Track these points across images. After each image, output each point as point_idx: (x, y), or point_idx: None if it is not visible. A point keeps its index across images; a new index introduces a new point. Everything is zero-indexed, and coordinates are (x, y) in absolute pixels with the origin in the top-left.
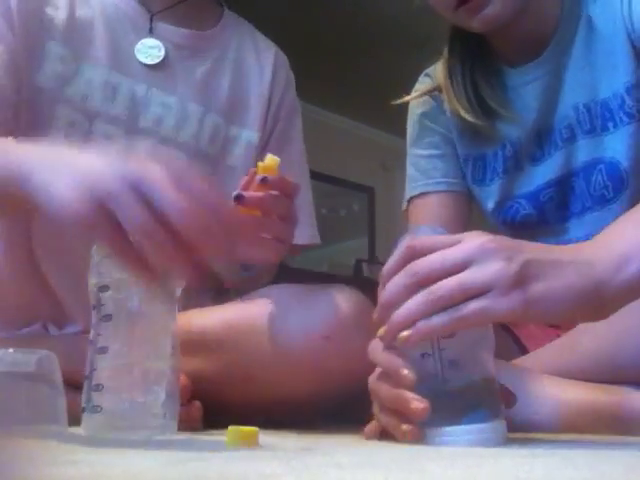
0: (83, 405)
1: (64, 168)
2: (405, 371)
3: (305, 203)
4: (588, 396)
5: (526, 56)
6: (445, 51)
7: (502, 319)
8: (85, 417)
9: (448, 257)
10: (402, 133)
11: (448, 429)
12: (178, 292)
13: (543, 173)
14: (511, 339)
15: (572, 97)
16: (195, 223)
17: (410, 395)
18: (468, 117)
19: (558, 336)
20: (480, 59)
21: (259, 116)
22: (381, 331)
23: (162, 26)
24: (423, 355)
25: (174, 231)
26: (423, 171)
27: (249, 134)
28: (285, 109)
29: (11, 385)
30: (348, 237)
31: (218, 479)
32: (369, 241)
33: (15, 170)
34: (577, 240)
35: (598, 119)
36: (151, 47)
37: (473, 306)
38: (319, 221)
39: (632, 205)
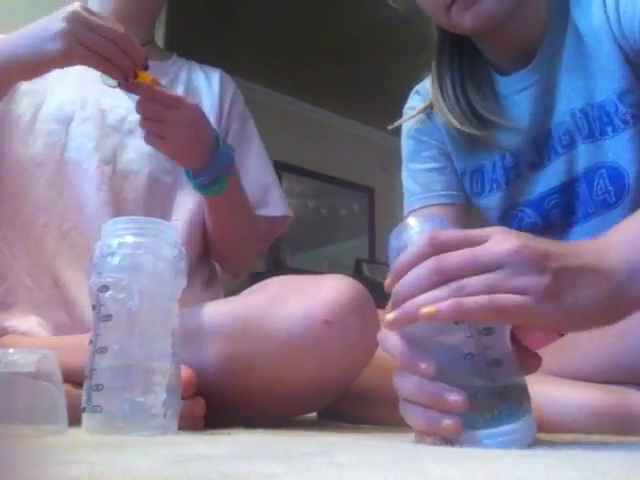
0: (83, 405)
1: (41, 35)
2: (424, 364)
3: (271, 183)
4: (588, 396)
5: (516, 63)
6: (433, 64)
7: (537, 325)
8: (85, 417)
9: (481, 257)
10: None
11: (488, 431)
12: (178, 292)
13: (545, 180)
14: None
15: (567, 103)
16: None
17: (443, 386)
18: (464, 128)
19: (560, 335)
20: (469, 68)
21: (212, 118)
22: (390, 316)
23: None
24: (466, 356)
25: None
26: (423, 185)
27: None
28: (236, 114)
29: (11, 385)
30: (348, 237)
31: (218, 479)
32: (369, 241)
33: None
34: None
35: (596, 122)
36: None
37: (514, 299)
38: (319, 221)
39: (634, 210)
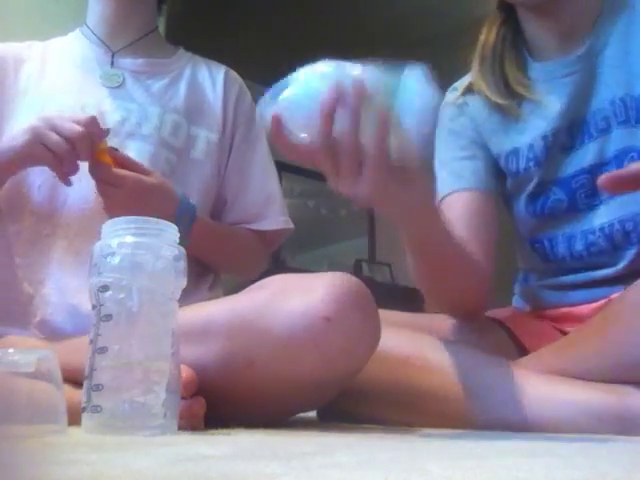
0: (83, 405)
1: (15, 136)
2: None
3: (274, 194)
4: (589, 396)
5: (559, 49)
6: (484, 33)
7: None
8: (85, 417)
9: None
10: None
11: None
12: (178, 292)
13: (576, 161)
14: (510, 338)
15: (608, 92)
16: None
17: None
18: (492, 97)
19: (561, 332)
20: (512, 44)
21: (215, 120)
22: None
23: (121, 60)
24: None
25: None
26: (454, 172)
27: (208, 134)
28: (242, 117)
29: (11, 385)
30: (348, 237)
31: (218, 479)
32: (369, 241)
33: None
34: (601, 228)
35: (633, 111)
36: (112, 75)
37: None
38: (319, 221)
39: None
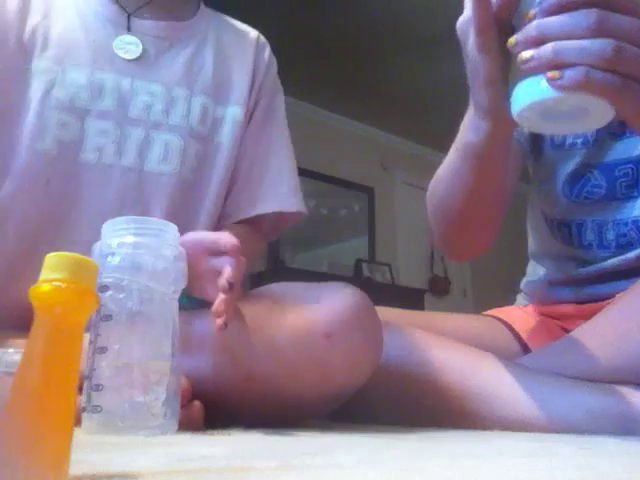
0: (83, 405)
1: None
2: None
3: (289, 175)
4: (588, 396)
5: None
6: None
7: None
8: (85, 417)
9: None
10: (402, 133)
11: None
12: (178, 292)
13: (623, 149)
14: (512, 336)
15: None
16: None
17: None
18: None
19: (563, 330)
20: None
21: (243, 92)
22: (526, 55)
23: (140, 22)
24: None
25: None
26: None
27: (234, 110)
28: (267, 87)
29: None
30: (348, 237)
31: (218, 478)
32: (369, 241)
33: None
34: (634, 221)
35: None
36: (129, 43)
37: None
38: (319, 221)
39: None
